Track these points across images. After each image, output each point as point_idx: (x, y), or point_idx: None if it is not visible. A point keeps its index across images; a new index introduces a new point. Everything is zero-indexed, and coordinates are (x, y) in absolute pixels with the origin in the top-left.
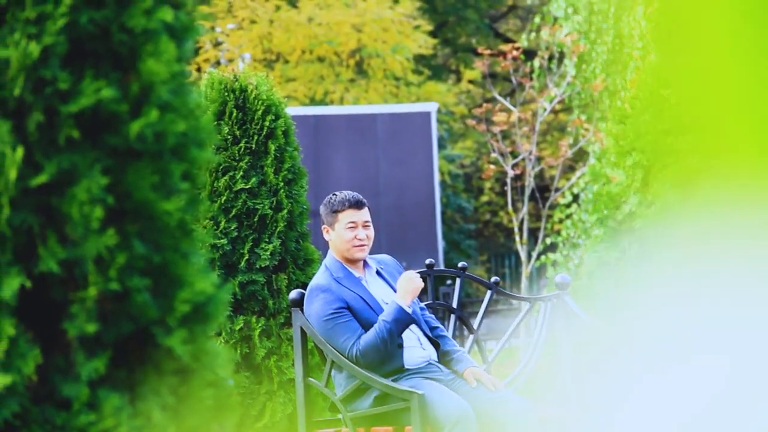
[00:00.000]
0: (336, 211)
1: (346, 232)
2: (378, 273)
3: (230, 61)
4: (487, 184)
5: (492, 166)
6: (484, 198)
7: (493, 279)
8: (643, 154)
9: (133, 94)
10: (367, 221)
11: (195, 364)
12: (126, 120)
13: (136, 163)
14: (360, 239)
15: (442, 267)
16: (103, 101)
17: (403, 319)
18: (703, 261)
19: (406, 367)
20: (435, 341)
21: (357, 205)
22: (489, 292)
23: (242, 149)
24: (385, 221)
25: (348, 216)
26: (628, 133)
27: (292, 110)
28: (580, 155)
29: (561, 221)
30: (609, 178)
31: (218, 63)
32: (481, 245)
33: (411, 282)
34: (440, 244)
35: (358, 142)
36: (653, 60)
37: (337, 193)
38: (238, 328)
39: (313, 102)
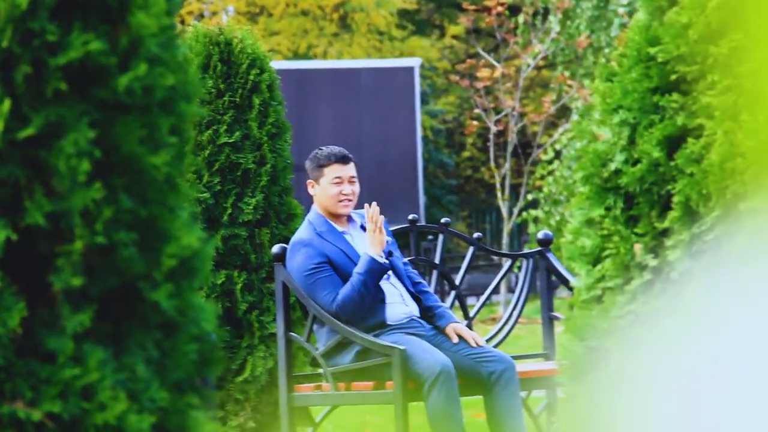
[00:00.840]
0: (322, 166)
1: (332, 187)
2: (362, 227)
3: (214, 14)
4: (469, 140)
5: (475, 122)
6: (466, 153)
7: (475, 235)
8: (629, 112)
9: (121, 47)
10: (352, 176)
11: (181, 318)
12: (114, 73)
13: (124, 116)
14: (345, 194)
15: (423, 222)
16: (91, 54)
17: (376, 269)
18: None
19: (388, 322)
20: (417, 297)
21: (343, 160)
22: (471, 248)
23: (226, 103)
24: (367, 176)
25: (334, 171)
26: (615, 90)
27: (276, 64)
28: (563, 112)
29: (543, 177)
30: (595, 136)
31: (201, 16)
32: (462, 201)
33: (371, 233)
34: (421, 199)
35: (341, 96)
36: (641, 17)
37: (323, 147)
38: (219, 282)
39: (296, 56)
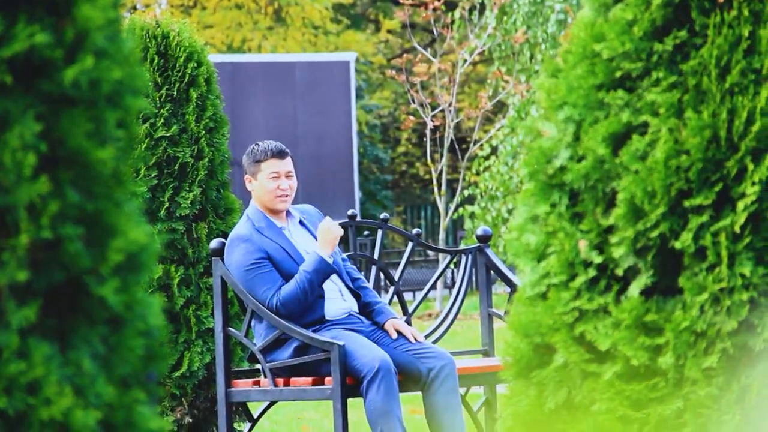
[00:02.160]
0: (259, 161)
1: (269, 182)
2: (301, 223)
3: (147, 6)
4: (404, 135)
5: (411, 117)
6: (401, 149)
7: (414, 231)
8: (574, 109)
9: (67, 40)
10: (289, 171)
11: (127, 313)
12: (60, 66)
13: (71, 110)
14: (282, 189)
15: (360, 217)
16: (36, 47)
17: (324, 270)
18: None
19: (327, 318)
20: (356, 292)
21: (280, 155)
22: (410, 244)
23: (163, 96)
24: (302, 171)
25: (271, 166)
26: (559, 87)
27: (210, 57)
28: (500, 107)
29: (479, 173)
30: (540, 132)
31: (134, 8)
32: (397, 196)
33: (329, 232)
34: (357, 195)
35: (275, 90)
36: (585, 14)
37: (260, 143)
38: (156, 276)
39: (230, 50)
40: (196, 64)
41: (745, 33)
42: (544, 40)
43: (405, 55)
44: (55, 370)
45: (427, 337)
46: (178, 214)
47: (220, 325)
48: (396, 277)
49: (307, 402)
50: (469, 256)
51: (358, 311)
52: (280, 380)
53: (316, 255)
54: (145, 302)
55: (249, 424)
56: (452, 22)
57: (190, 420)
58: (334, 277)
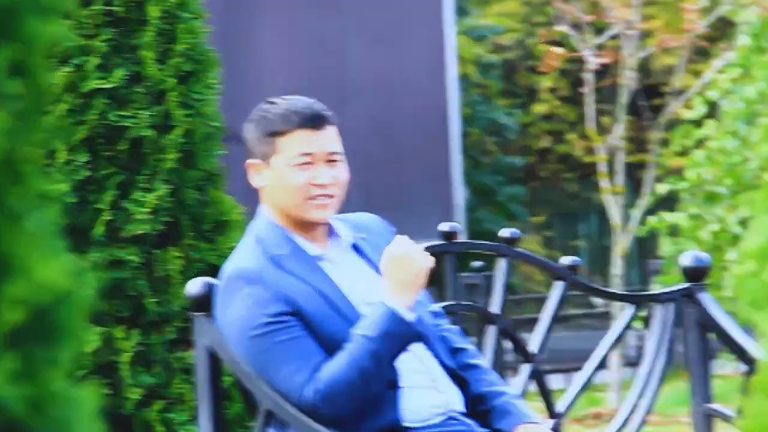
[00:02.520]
0: (275, 134)
1: (295, 173)
2: (355, 247)
3: None
4: (546, 83)
5: (556, 50)
6: (539, 108)
7: (565, 260)
8: None
9: None
10: (332, 152)
11: (34, 420)
12: None
13: None
14: (320, 185)
15: (464, 235)
16: None
17: (399, 334)
18: None
19: (406, 424)
20: (460, 375)
21: (313, 121)
22: (561, 284)
23: (98, 17)
24: (356, 151)
25: (298, 142)
26: None
27: None
28: (722, 30)
29: (685, 153)
30: None
31: None
32: (532, 194)
33: (407, 262)
34: (459, 193)
35: (303, 3)
36: None
37: (275, 99)
38: (91, 350)
39: None
40: None
41: None
42: None
43: None
44: None
45: None
46: (127, 234)
47: None
48: (534, 347)
49: None
50: (670, 307)
51: (464, 410)
52: None
53: (384, 307)
54: (69, 399)
55: None
56: None
57: None
58: (419, 347)
